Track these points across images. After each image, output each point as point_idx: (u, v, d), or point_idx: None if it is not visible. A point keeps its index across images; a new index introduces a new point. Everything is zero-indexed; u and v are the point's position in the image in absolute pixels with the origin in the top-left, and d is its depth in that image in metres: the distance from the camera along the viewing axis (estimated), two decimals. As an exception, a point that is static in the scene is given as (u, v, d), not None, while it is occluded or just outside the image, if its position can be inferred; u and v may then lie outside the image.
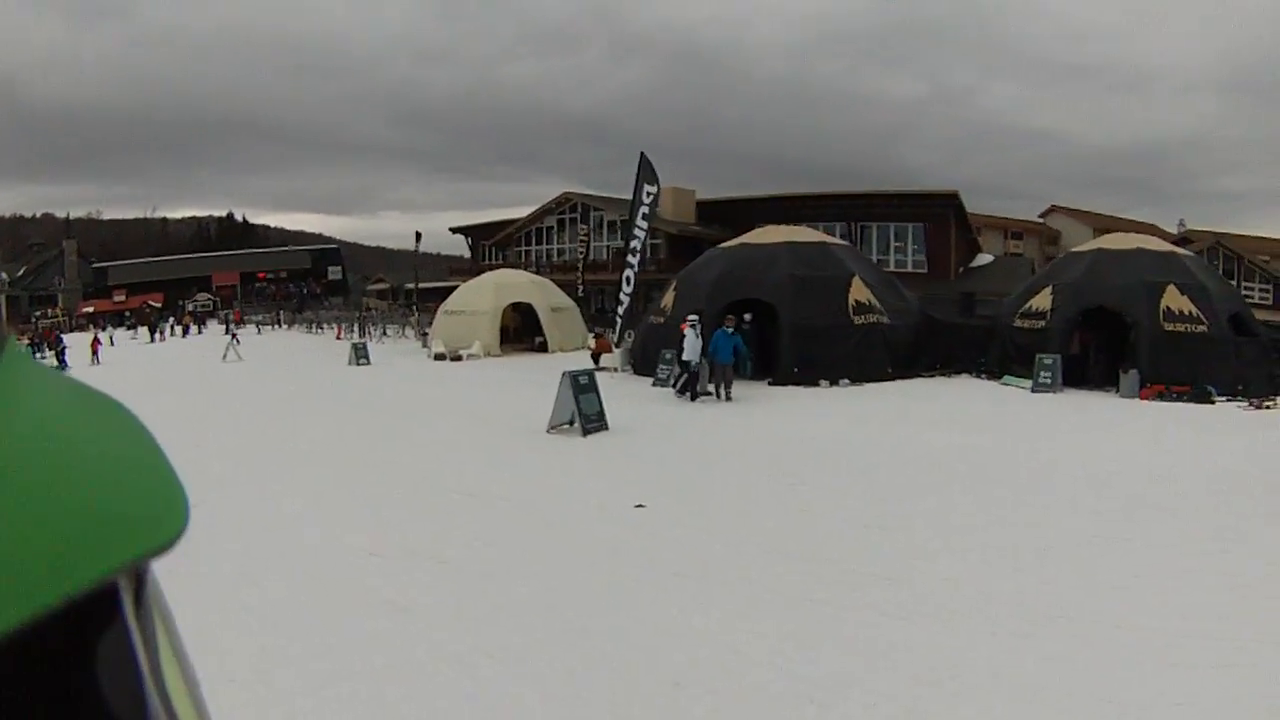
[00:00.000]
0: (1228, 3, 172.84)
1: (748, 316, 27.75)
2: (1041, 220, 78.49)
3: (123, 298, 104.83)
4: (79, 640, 0.52)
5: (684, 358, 24.35)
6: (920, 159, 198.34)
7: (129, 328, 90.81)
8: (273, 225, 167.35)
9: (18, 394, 0.54)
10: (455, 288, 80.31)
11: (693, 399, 24.45)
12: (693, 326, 24.24)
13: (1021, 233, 73.70)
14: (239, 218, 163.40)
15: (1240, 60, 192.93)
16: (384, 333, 59.22)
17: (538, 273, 59.59)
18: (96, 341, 52.41)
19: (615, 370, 32.94)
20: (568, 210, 73.09)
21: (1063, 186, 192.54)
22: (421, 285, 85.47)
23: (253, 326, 76.16)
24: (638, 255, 31.58)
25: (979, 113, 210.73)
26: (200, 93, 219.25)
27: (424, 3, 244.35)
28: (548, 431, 19.02)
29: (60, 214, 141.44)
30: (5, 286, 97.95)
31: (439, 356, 40.87)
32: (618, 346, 35.38)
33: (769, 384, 27.79)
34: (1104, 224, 66.34)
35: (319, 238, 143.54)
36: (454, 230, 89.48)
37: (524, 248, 76.39)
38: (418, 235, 71.15)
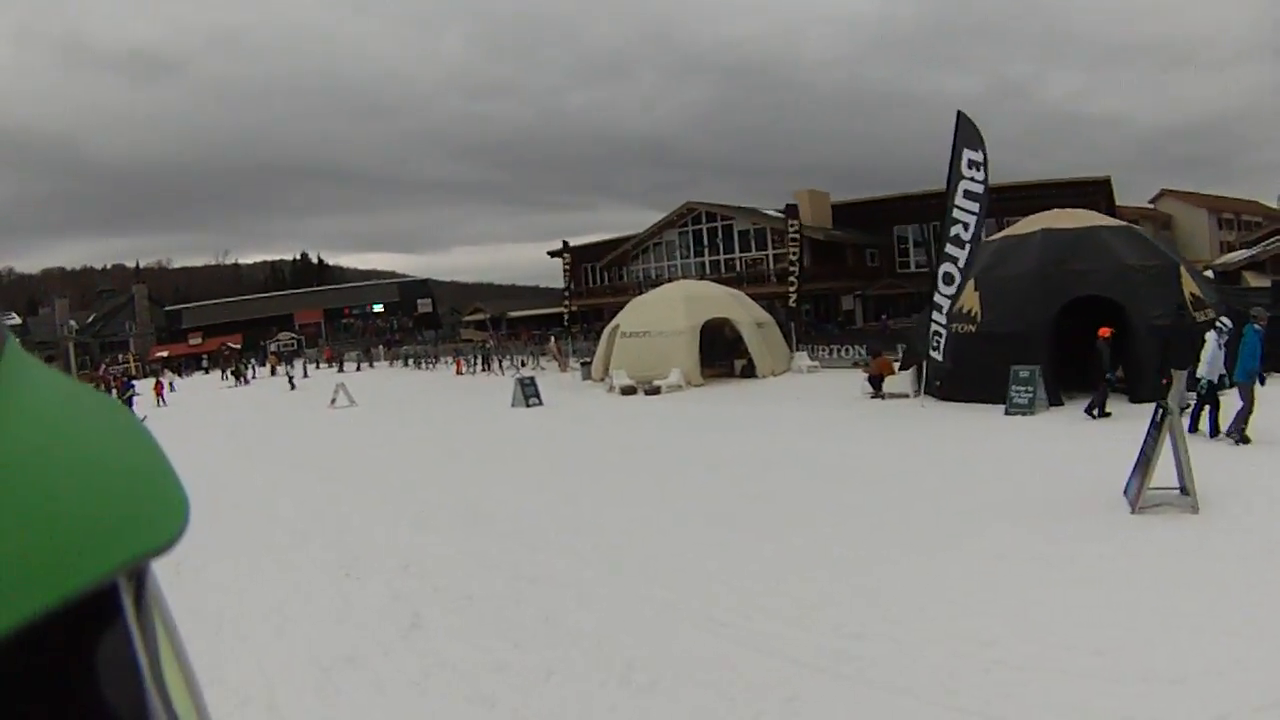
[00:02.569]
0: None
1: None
2: (1153, 206, 74.31)
3: (199, 340, 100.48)
4: (79, 640, 0.52)
5: (1199, 374, 16.89)
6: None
7: (206, 371, 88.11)
8: (345, 266, 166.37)
9: (18, 394, 0.54)
10: (560, 314, 78.74)
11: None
12: (1219, 331, 16.98)
13: (1137, 219, 65.28)
14: (314, 258, 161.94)
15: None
16: (517, 363, 51.92)
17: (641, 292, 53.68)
18: (159, 385, 53.24)
19: (909, 396, 25.67)
20: (690, 222, 65.77)
21: (1129, 172, 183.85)
22: (519, 313, 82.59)
23: (350, 364, 70.36)
24: (965, 247, 22.27)
25: (1038, 105, 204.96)
26: (259, 141, 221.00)
27: (477, 39, 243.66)
28: (1132, 512, 11.20)
29: (130, 264, 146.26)
30: (73, 333, 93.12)
31: (627, 390, 33.08)
32: (903, 368, 28.22)
33: (1129, 401, 20.83)
34: (1216, 205, 65.55)
35: (393, 275, 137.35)
36: (552, 254, 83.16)
37: (641, 266, 69.77)
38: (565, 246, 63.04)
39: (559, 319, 75.32)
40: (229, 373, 67.26)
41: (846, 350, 39.51)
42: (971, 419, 20.84)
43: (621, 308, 66.86)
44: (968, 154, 23.08)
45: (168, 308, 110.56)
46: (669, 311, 36.07)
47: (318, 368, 70.15)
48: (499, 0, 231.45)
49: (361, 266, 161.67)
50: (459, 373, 53.46)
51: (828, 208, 63.89)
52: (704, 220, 65.50)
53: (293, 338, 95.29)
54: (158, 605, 0.65)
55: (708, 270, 63.82)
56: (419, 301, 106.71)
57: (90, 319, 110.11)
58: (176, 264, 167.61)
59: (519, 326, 76.83)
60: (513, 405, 30.62)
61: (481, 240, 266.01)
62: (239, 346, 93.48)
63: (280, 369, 62.91)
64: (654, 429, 23.31)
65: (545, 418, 27.63)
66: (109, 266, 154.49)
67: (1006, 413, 21.02)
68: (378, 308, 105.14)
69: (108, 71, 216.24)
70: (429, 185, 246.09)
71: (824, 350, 40.00)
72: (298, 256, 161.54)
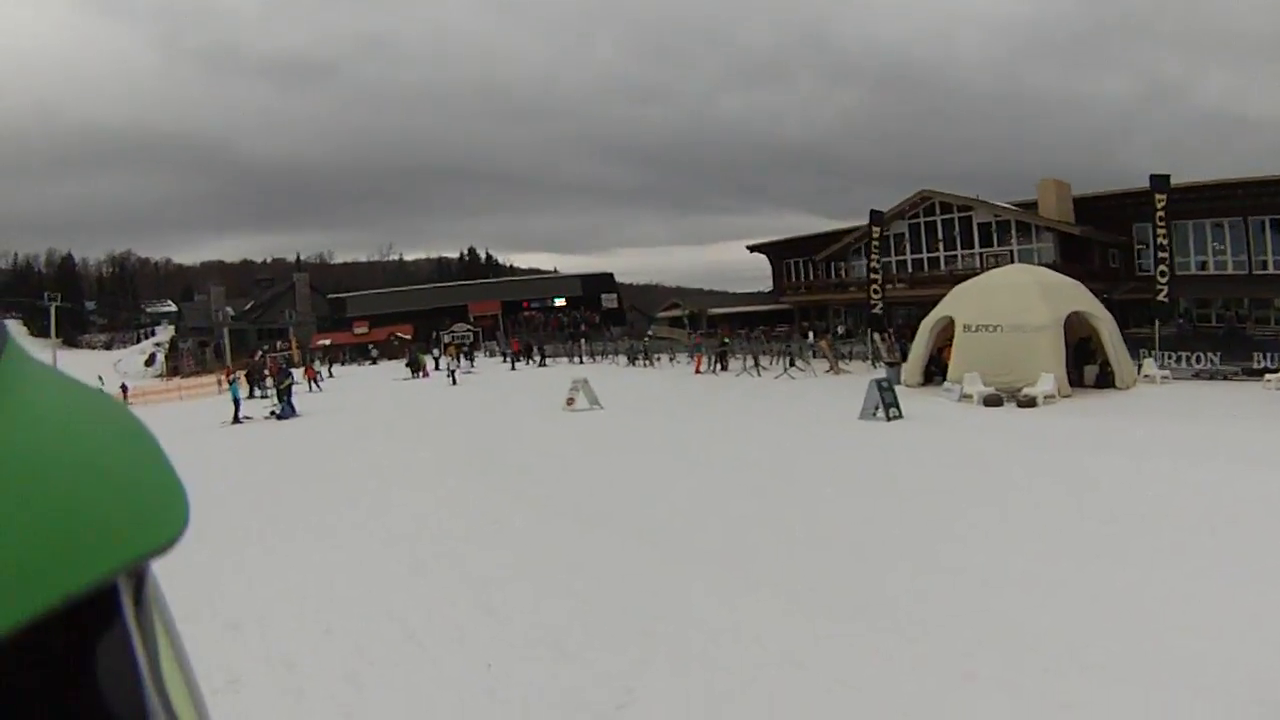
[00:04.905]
0: None
1: None
2: None
3: (364, 330, 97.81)
4: (79, 640, 0.52)
5: None
6: (1140, 163, 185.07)
7: (374, 361, 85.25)
8: (504, 264, 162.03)
9: (18, 394, 0.54)
10: (765, 311, 75.32)
11: None
12: None
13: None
14: (482, 254, 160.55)
15: None
16: (753, 364, 45.41)
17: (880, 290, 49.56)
18: (310, 370, 55.06)
19: None
20: (922, 212, 60.11)
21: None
22: (721, 310, 78.84)
23: (533, 359, 66.24)
24: None
25: (1194, 108, 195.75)
26: (414, 144, 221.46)
27: (631, 44, 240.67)
28: None
29: (289, 259, 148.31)
30: (229, 319, 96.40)
31: (991, 401, 27.18)
32: None
33: None
34: None
35: (556, 274, 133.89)
36: (752, 249, 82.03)
37: (865, 261, 63.22)
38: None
39: (763, 316, 71.93)
40: (406, 364, 62.77)
41: (1197, 359, 34.06)
42: None
43: (848, 304, 66.32)
44: None
45: (331, 296, 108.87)
46: (1023, 301, 29.74)
47: (505, 362, 65.88)
48: (648, 4, 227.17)
49: (522, 265, 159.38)
50: (698, 371, 48.43)
51: (1069, 200, 57.86)
52: (938, 211, 60.56)
53: (468, 329, 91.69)
54: (157, 605, 0.65)
55: (943, 265, 59.48)
56: (603, 296, 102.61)
57: (248, 306, 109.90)
58: (338, 259, 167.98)
59: (719, 324, 71.65)
60: (861, 418, 24.68)
61: (641, 243, 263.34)
62: (409, 337, 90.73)
63: (449, 363, 56.43)
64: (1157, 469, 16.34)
65: (934, 440, 21.07)
66: (269, 260, 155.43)
67: None
68: (559, 301, 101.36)
69: (256, 77, 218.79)
70: (585, 188, 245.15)
71: (1169, 357, 34.37)
72: (465, 252, 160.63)
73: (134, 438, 0.62)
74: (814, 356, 45.57)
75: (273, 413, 36.49)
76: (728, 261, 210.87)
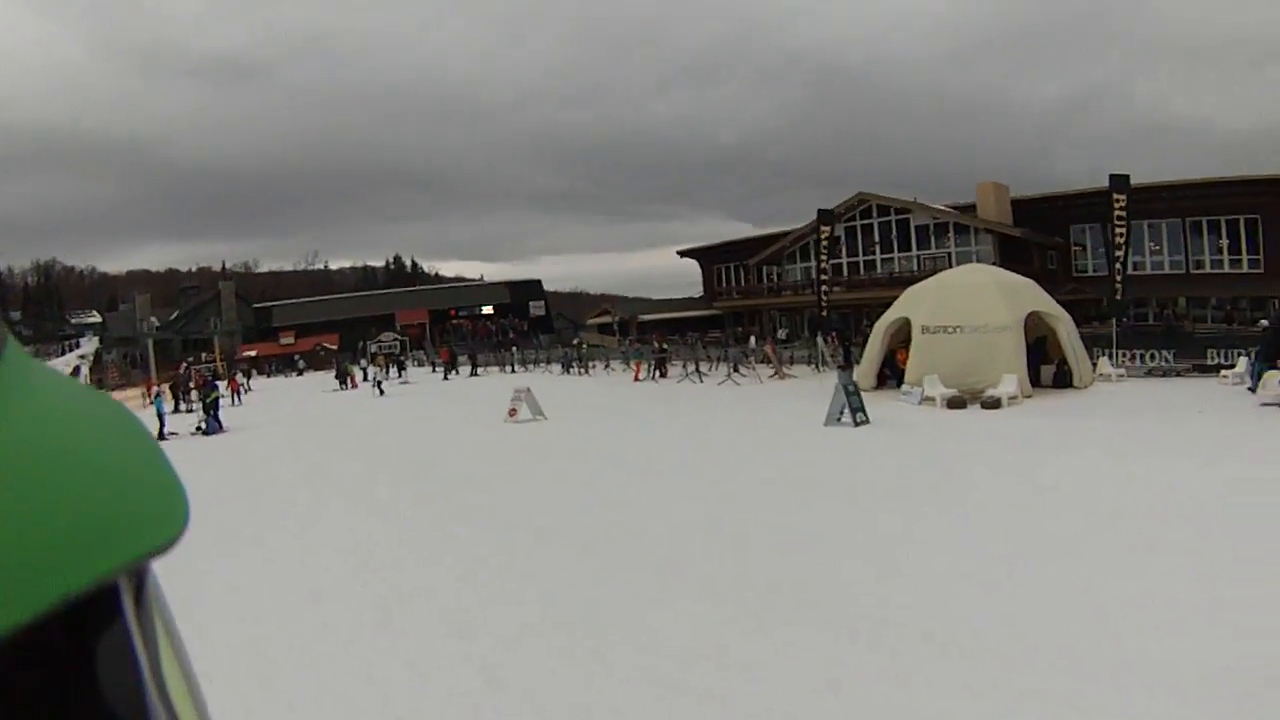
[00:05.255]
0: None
1: None
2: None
3: (291, 340, 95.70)
4: (79, 640, 0.53)
5: None
6: (1074, 165, 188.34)
7: (300, 372, 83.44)
8: (429, 272, 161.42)
9: (18, 394, 0.55)
10: (696, 317, 74.78)
11: None
12: None
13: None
14: (407, 262, 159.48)
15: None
16: (694, 370, 44.29)
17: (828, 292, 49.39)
18: (234, 383, 53.28)
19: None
20: (859, 216, 60.05)
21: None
22: (652, 317, 78.24)
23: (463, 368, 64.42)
24: None
25: (1129, 109, 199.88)
26: (344, 149, 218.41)
27: (561, 46, 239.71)
28: None
29: (214, 268, 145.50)
30: (153, 330, 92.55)
31: (955, 403, 26.46)
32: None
33: None
34: None
35: (483, 281, 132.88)
36: (682, 254, 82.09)
37: (800, 264, 65.31)
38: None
39: (695, 322, 71.66)
40: (335, 375, 61.05)
41: (1151, 356, 34.21)
42: None
43: (783, 308, 66.21)
44: None
45: (257, 305, 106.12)
46: (982, 301, 29.18)
47: (437, 371, 64.37)
48: (579, 7, 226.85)
49: (447, 273, 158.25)
50: (637, 378, 47.01)
51: (1008, 203, 57.99)
52: (875, 213, 60.28)
53: (396, 338, 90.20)
54: (158, 605, 0.65)
55: (879, 268, 59.61)
56: (531, 303, 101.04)
57: (173, 316, 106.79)
58: (263, 268, 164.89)
59: (650, 330, 71.61)
60: (827, 423, 23.71)
61: (566, 249, 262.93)
62: (335, 347, 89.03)
63: (375, 373, 53.70)
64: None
65: (908, 445, 20.37)
66: (194, 269, 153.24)
67: None
68: (487, 309, 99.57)
69: (190, 77, 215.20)
70: (513, 192, 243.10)
71: (1123, 356, 34.39)
72: (390, 260, 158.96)
73: (134, 438, 0.62)
74: (757, 361, 44.71)
75: (199, 428, 34.79)
76: (653, 268, 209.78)
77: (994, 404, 25.74)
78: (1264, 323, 36.77)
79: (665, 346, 51.07)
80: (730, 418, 27.97)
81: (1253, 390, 25.44)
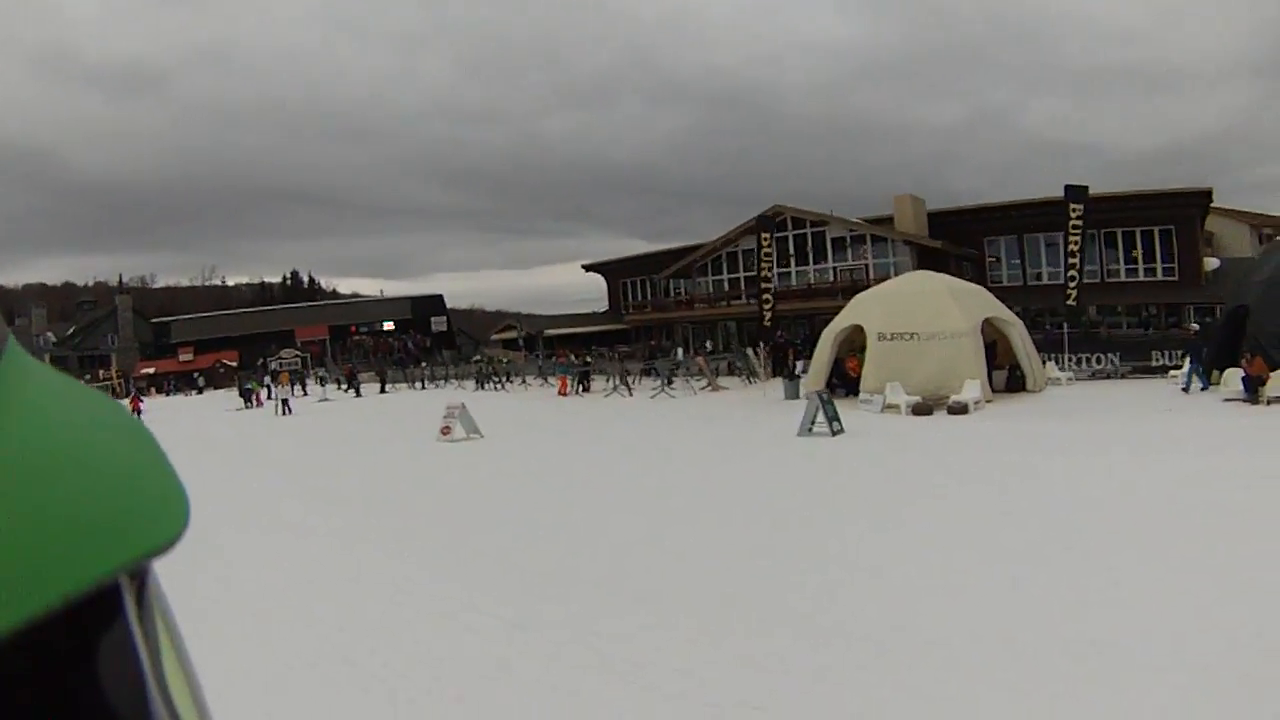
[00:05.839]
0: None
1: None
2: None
3: (189, 357, 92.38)
4: (81, 640, 0.53)
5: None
6: (965, 184, 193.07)
7: (200, 390, 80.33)
8: (326, 289, 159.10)
9: (18, 393, 0.55)
10: (602, 331, 74.22)
11: None
12: None
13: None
14: (305, 278, 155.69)
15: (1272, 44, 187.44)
16: (621, 384, 43.30)
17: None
18: (136, 399, 51.98)
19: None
20: (774, 228, 59.26)
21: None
22: (558, 331, 77.59)
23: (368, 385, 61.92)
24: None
25: (1019, 132, 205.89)
26: (241, 163, 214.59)
27: (458, 63, 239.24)
28: None
29: (112, 282, 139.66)
30: (50, 345, 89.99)
31: (921, 410, 26.03)
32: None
33: None
34: (1260, 222, 63.86)
35: (384, 297, 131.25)
36: (588, 268, 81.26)
37: (712, 277, 64.88)
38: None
39: (603, 337, 71.38)
40: (239, 393, 58.59)
41: (1098, 360, 35.64)
42: None
43: (695, 322, 65.48)
44: None
45: (155, 320, 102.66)
46: (938, 308, 29.18)
47: (345, 389, 60.90)
48: (478, 24, 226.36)
49: (344, 290, 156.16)
50: (563, 393, 45.98)
51: (924, 216, 58.47)
52: (790, 226, 59.63)
53: (297, 355, 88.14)
54: (159, 605, 0.65)
55: (794, 281, 59.13)
56: (433, 319, 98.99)
57: (70, 331, 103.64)
58: (160, 283, 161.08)
59: (556, 345, 71.82)
60: (800, 434, 22.87)
61: (463, 266, 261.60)
62: (235, 364, 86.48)
63: (279, 391, 49.99)
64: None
65: (893, 454, 19.76)
66: (91, 283, 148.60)
67: None
68: (388, 325, 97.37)
69: (84, 84, 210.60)
70: (409, 210, 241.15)
71: (1070, 359, 35.46)
72: (288, 276, 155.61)
73: (134, 438, 0.62)
74: (692, 374, 43.84)
75: None
76: (550, 284, 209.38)
77: (961, 409, 25.50)
78: (1195, 326, 38.58)
79: (589, 360, 50.28)
80: (687, 431, 26.79)
81: (1185, 390, 27.39)
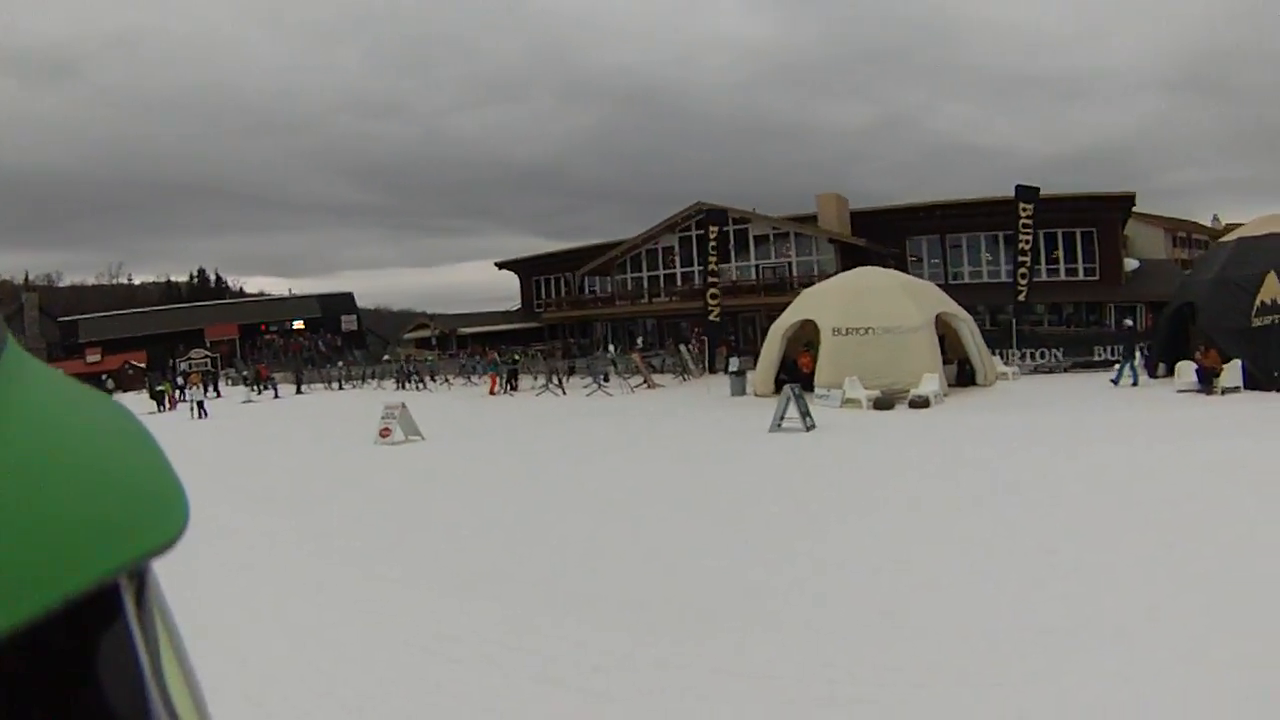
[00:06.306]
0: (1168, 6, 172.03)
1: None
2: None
3: (97, 357, 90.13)
4: (80, 640, 0.53)
5: None
6: (874, 185, 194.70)
7: (110, 393, 76.81)
8: (234, 288, 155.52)
9: (17, 394, 0.55)
10: (518, 330, 73.68)
11: None
12: None
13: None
14: (211, 276, 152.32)
15: (1183, 58, 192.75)
16: (554, 382, 42.76)
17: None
18: None
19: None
20: (695, 225, 59.08)
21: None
22: (473, 330, 77.10)
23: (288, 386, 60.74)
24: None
25: (931, 135, 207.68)
26: (147, 155, 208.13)
27: (369, 55, 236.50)
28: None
29: (17, 279, 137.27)
30: None
31: (882, 405, 26.03)
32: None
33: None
34: (1175, 227, 69.40)
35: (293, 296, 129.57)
36: (501, 265, 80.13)
37: (632, 274, 64.38)
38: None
39: (516, 335, 70.66)
40: (150, 395, 56.21)
41: (1040, 355, 37.24)
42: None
43: (613, 319, 65.36)
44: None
45: (62, 319, 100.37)
46: (891, 303, 29.38)
47: (267, 390, 58.66)
48: (386, 20, 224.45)
49: (251, 289, 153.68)
50: (493, 392, 45.13)
51: (848, 214, 58.78)
52: (718, 222, 58.66)
53: (207, 355, 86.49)
54: (159, 605, 0.66)
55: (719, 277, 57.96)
56: (343, 318, 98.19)
57: None
58: (66, 281, 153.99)
59: (470, 343, 71.60)
60: (772, 429, 22.51)
61: (368, 265, 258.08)
62: (143, 365, 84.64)
63: (193, 393, 49.26)
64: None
65: (872, 447, 19.67)
66: None
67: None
68: (298, 324, 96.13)
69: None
70: (313, 207, 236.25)
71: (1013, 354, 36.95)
72: (195, 274, 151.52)
73: (133, 438, 0.62)
74: (628, 371, 43.13)
75: None
76: (457, 283, 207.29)
77: (923, 403, 25.67)
78: (1129, 323, 40.20)
79: (518, 359, 49.79)
80: (650, 429, 25.82)
81: (1115, 383, 28.86)
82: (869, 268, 36.61)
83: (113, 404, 0.65)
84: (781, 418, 22.63)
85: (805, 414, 22.57)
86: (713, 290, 46.74)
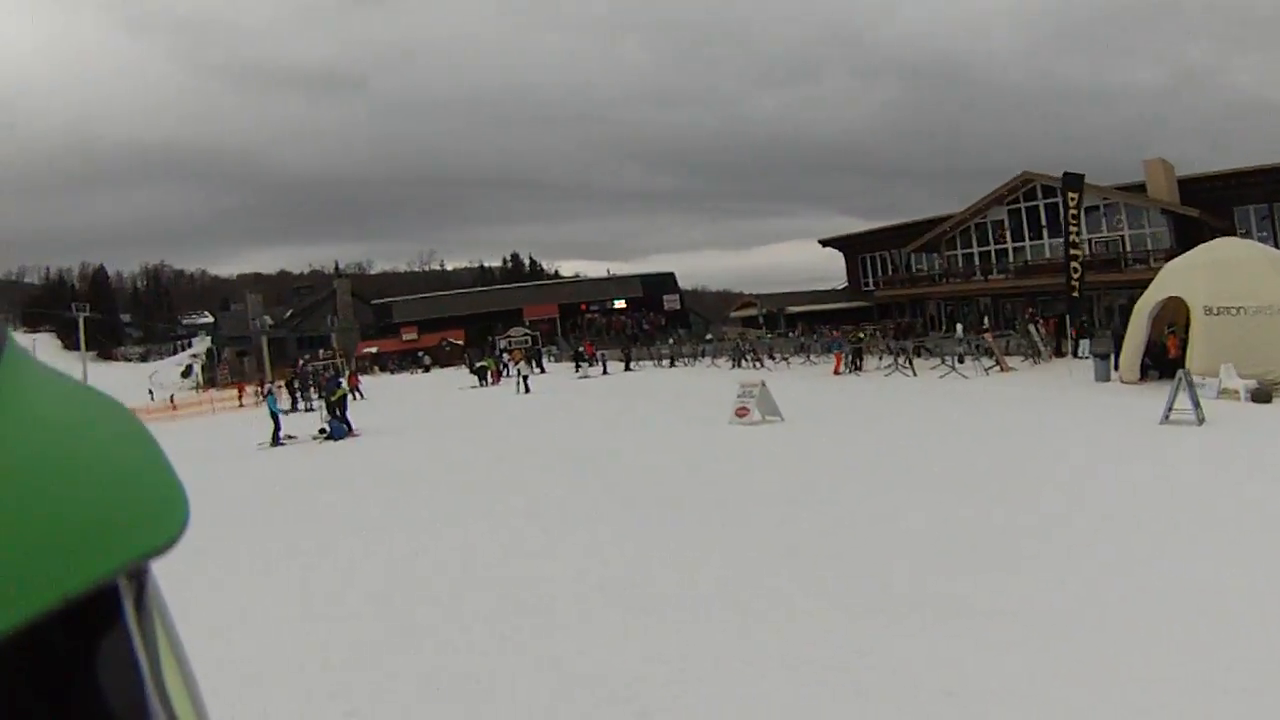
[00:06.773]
0: None
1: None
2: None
3: (414, 336, 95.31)
4: (79, 641, 0.53)
5: None
6: (1178, 148, 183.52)
7: (426, 369, 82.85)
8: (549, 270, 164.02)
9: (18, 394, 0.55)
10: (847, 309, 73.76)
11: None
12: None
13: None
14: (525, 259, 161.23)
15: None
16: (904, 363, 41.33)
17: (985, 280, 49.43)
18: (354, 378, 53.38)
19: None
20: (1023, 197, 58.03)
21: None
22: (800, 308, 77.60)
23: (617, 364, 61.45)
24: None
25: (1229, 91, 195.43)
26: (449, 154, 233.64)
27: (657, 48, 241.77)
28: None
29: (326, 270, 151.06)
30: (267, 328, 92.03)
31: (1260, 397, 24.07)
32: None
33: None
34: None
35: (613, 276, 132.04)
36: (824, 243, 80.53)
37: (961, 251, 62.84)
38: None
39: (844, 314, 70.97)
40: (472, 371, 59.81)
41: None
42: None
43: (946, 298, 64.63)
44: None
45: (375, 301, 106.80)
46: (1259, 280, 26.65)
47: (594, 367, 60.22)
48: (667, 10, 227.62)
49: (566, 272, 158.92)
50: (837, 371, 44.62)
51: (1175, 182, 54.48)
52: (1040, 195, 57.59)
53: (527, 334, 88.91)
54: (158, 606, 0.66)
55: (1048, 254, 56.06)
56: (665, 298, 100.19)
57: (288, 314, 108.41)
58: (376, 269, 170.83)
59: (798, 322, 71.86)
60: (1161, 422, 20.67)
61: (676, 248, 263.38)
62: (461, 342, 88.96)
63: (518, 369, 49.71)
64: None
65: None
66: (305, 271, 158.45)
67: None
68: (619, 303, 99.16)
69: (284, 90, 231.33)
70: (618, 194, 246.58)
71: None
72: (508, 259, 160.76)
73: (134, 438, 0.62)
74: (982, 353, 40.94)
75: (322, 431, 31.88)
76: (770, 263, 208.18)
77: (1296, 395, 23.71)
78: None
79: (862, 337, 48.93)
80: (1020, 417, 22.86)
81: None
82: (1227, 239, 34.04)
83: (115, 405, 0.66)
84: (1170, 408, 20.92)
85: (1197, 404, 20.73)
86: (1074, 265, 41.25)
